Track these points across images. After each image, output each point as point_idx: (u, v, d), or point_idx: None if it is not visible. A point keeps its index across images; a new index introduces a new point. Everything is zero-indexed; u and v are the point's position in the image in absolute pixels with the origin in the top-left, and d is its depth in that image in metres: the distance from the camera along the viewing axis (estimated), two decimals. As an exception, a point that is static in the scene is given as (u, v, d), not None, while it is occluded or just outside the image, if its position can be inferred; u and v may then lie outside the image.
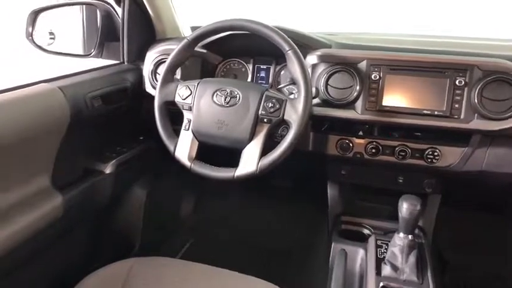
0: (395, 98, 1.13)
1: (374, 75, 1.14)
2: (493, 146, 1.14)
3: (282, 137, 1.09)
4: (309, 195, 1.72)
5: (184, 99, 1.11)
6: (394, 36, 1.47)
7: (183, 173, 1.10)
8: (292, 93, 1.35)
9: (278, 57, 1.36)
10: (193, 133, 1.10)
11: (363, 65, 1.16)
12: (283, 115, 1.02)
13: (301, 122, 1.00)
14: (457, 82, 1.08)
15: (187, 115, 1.11)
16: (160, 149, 1.16)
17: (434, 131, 1.14)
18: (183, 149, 1.10)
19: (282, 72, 1.37)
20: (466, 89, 1.08)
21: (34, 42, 1.39)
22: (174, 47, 1.30)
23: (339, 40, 1.29)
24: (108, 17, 1.44)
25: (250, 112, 1.04)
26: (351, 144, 1.21)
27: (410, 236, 1.04)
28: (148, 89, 1.38)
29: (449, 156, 1.16)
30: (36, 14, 1.40)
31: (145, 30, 1.41)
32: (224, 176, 1.05)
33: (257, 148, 1.04)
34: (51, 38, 1.39)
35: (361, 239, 1.28)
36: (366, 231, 1.30)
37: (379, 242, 1.13)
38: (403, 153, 1.17)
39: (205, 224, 1.82)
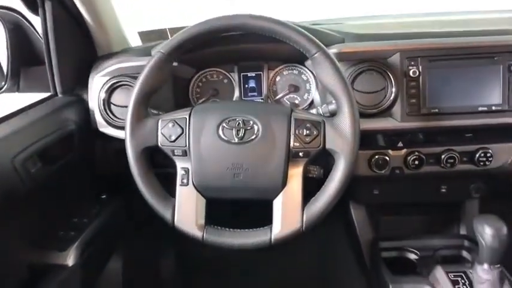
0: (442, 96, 0.90)
1: (413, 71, 0.89)
2: None
3: (318, 171, 0.80)
4: None
5: (173, 141, 0.76)
6: (404, 17, 1.23)
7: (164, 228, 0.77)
8: (295, 103, 1.06)
9: (269, 60, 1.05)
10: (196, 188, 0.76)
11: (395, 59, 0.91)
12: (324, 143, 0.73)
13: (351, 149, 0.72)
14: None
15: (181, 163, 0.77)
16: (129, 205, 0.82)
17: (488, 129, 0.93)
18: (186, 214, 0.76)
19: (278, 79, 1.06)
20: None
21: None
22: (134, 64, 0.94)
23: (349, 30, 1.01)
24: (20, 31, 1.00)
25: (279, 147, 0.73)
26: (387, 158, 0.96)
27: (498, 267, 0.82)
28: (103, 127, 0.98)
29: (502, 154, 0.97)
30: None
31: (81, 45, 1.00)
32: (257, 242, 0.74)
33: (296, 195, 0.74)
34: None
35: (408, 268, 1.05)
36: (413, 256, 1.08)
37: (451, 276, 0.91)
38: (452, 160, 0.95)
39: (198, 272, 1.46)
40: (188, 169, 0.76)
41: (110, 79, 0.96)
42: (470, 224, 1.13)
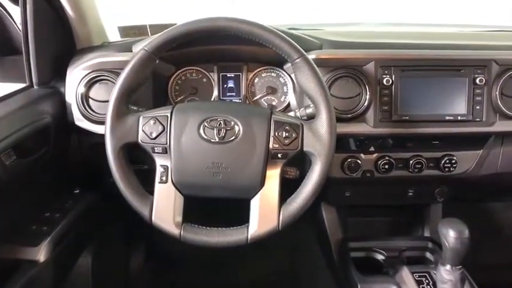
0: (412, 104, 0.95)
1: (386, 80, 0.93)
2: (505, 145, 1.04)
3: (295, 173, 0.83)
4: None
5: (154, 138, 0.77)
6: (381, 27, 1.28)
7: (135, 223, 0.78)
8: (272, 105, 1.08)
9: (248, 62, 1.07)
10: (175, 186, 0.77)
11: (370, 67, 0.95)
12: (302, 146, 0.76)
13: (328, 151, 0.75)
14: (477, 80, 0.94)
15: (161, 161, 0.78)
16: (102, 200, 0.80)
17: (454, 137, 0.99)
18: (164, 211, 0.77)
19: (256, 80, 1.09)
20: (485, 87, 0.95)
21: None
22: (115, 59, 0.95)
23: (327, 36, 1.05)
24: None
25: (259, 148, 0.76)
26: (359, 162, 1.01)
27: (460, 268, 0.88)
28: (79, 121, 0.97)
29: (465, 162, 1.03)
30: None
31: (60, 36, 0.98)
32: (233, 240, 0.76)
33: (274, 195, 0.77)
34: None
35: (375, 268, 1.10)
36: (380, 257, 1.13)
37: (416, 276, 0.96)
38: (419, 166, 1.01)
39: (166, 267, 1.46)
40: (168, 167, 0.77)
41: (89, 73, 0.95)
42: (434, 227, 1.20)
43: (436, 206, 1.20)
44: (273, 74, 1.07)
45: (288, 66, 1.03)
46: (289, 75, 1.06)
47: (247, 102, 1.08)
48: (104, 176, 0.79)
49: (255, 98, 1.08)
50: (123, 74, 0.77)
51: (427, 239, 1.15)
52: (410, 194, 1.12)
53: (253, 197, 0.77)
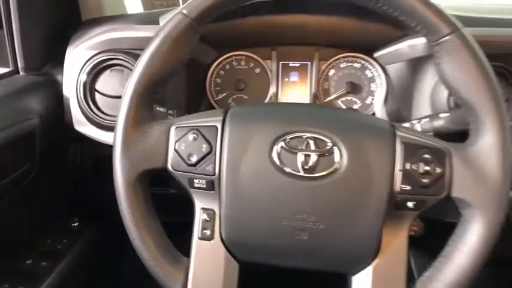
0: None
1: None
2: None
3: (419, 227, 0.51)
4: None
5: (194, 164, 0.46)
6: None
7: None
8: (352, 108, 0.78)
9: (321, 45, 0.78)
10: (226, 246, 0.46)
11: None
12: (450, 189, 0.43)
13: (499, 202, 0.43)
14: None
15: (204, 202, 0.47)
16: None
17: None
18: (207, 286, 0.46)
19: (331, 73, 0.79)
20: None
21: None
22: (134, 35, 0.69)
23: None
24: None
25: (376, 190, 0.44)
26: None
27: None
28: (80, 125, 0.69)
29: None
30: None
31: (59, 3, 0.71)
32: None
33: (397, 271, 0.45)
34: None
35: None
36: None
37: None
38: None
39: None
40: (214, 213, 0.46)
41: (96, 54, 0.67)
42: None
43: None
44: (355, 64, 0.79)
45: (381, 53, 0.73)
46: (382, 67, 0.76)
47: (318, 103, 0.80)
48: (113, 203, 0.50)
49: (329, 99, 0.80)
50: (147, 55, 0.46)
51: None
52: None
53: (358, 271, 0.45)
